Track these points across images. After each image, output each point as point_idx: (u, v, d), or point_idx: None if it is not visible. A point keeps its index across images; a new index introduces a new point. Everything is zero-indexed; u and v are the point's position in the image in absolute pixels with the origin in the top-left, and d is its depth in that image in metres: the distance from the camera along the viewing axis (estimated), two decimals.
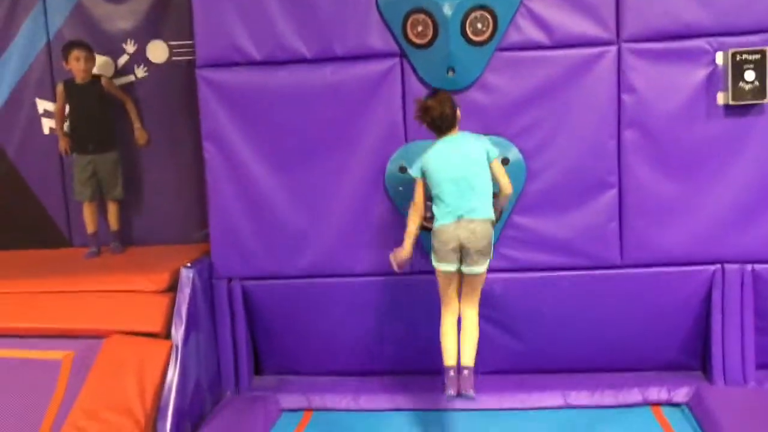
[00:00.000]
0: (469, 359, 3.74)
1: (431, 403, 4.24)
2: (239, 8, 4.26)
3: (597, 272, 4.25)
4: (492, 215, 3.75)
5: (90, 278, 4.36)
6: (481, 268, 3.73)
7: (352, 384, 4.49)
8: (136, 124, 5.04)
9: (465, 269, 3.73)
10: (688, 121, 4.08)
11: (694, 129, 4.08)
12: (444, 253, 3.71)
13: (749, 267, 4.14)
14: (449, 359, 3.77)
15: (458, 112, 3.84)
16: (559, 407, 4.21)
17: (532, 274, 4.30)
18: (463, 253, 3.71)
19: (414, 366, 4.49)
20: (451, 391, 3.71)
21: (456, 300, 3.83)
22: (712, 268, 4.17)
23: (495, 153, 3.78)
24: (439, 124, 3.78)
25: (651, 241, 4.18)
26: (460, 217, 3.68)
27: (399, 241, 4.28)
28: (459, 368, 3.74)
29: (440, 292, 3.84)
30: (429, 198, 3.85)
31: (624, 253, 4.21)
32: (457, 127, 3.83)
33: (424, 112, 3.78)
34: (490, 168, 3.76)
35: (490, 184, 3.75)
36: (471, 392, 3.68)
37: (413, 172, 3.87)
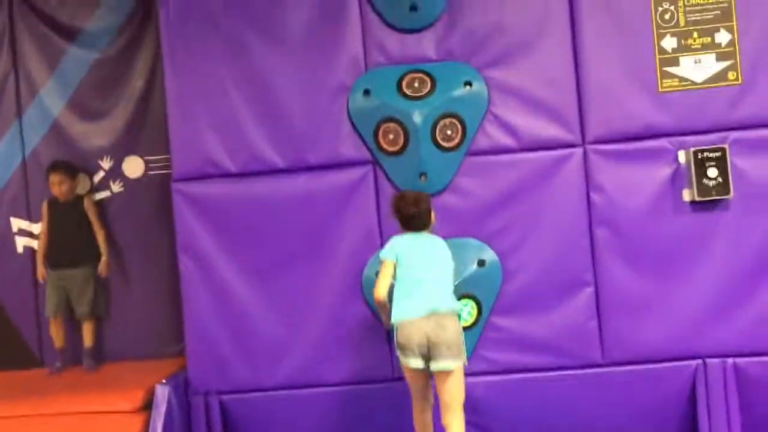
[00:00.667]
0: None
1: None
2: (214, 122, 4.36)
3: (579, 371, 4.20)
4: (457, 308, 3.68)
5: (61, 399, 4.22)
6: (452, 363, 3.57)
7: None
8: (104, 257, 5.00)
9: (434, 366, 3.58)
10: (657, 218, 4.16)
11: (662, 225, 4.16)
12: (410, 350, 3.58)
13: (730, 361, 4.13)
14: None
15: (433, 214, 3.86)
16: None
17: (514, 376, 4.24)
18: (431, 350, 3.57)
19: None
20: None
21: (427, 394, 3.75)
22: (693, 363, 4.15)
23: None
24: (414, 221, 3.75)
25: (631, 337, 4.17)
26: (430, 311, 3.58)
27: (378, 347, 4.24)
28: None
29: (410, 388, 3.77)
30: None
31: (605, 350, 4.19)
32: (429, 230, 3.84)
33: (400, 206, 3.77)
34: None
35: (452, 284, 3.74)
36: None
37: (383, 253, 3.76)
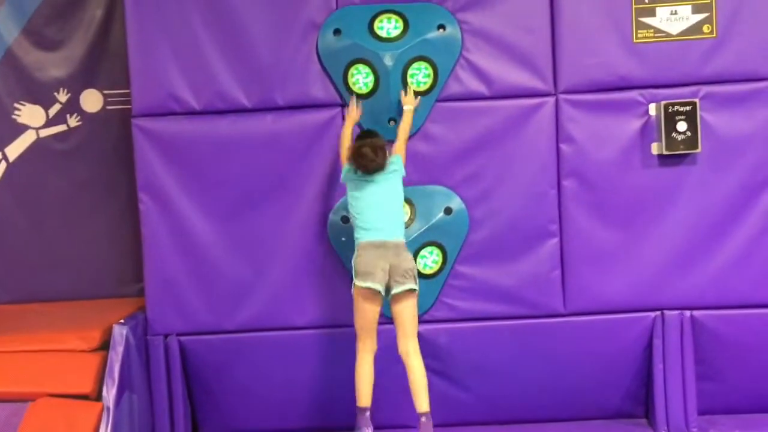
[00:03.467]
0: (424, 403, 3.70)
1: None
2: (177, 57, 4.20)
3: (541, 321, 4.25)
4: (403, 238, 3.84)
5: (15, 337, 4.13)
6: (414, 285, 3.72)
7: None
8: None
9: (399, 288, 3.71)
10: (625, 171, 4.17)
11: (630, 178, 4.17)
12: (367, 272, 3.69)
13: (688, 313, 4.20)
14: (364, 399, 3.75)
15: (388, 157, 3.88)
16: None
17: (477, 324, 4.27)
18: (393, 274, 3.71)
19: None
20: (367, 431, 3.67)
21: (374, 335, 3.81)
22: (652, 315, 4.22)
23: (401, 164, 3.90)
24: (370, 170, 3.82)
25: (593, 288, 4.21)
26: (388, 240, 3.72)
27: (343, 293, 4.21)
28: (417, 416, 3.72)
29: (356, 324, 3.80)
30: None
31: (567, 301, 4.23)
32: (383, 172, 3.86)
33: (358, 157, 3.81)
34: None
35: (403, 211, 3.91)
36: None
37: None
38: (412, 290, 3.75)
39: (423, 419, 3.67)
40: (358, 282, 3.74)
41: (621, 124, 4.15)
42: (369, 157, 3.79)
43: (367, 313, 3.77)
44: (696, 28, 4.09)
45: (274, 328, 4.32)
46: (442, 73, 4.14)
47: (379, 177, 3.82)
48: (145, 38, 4.21)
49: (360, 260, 3.75)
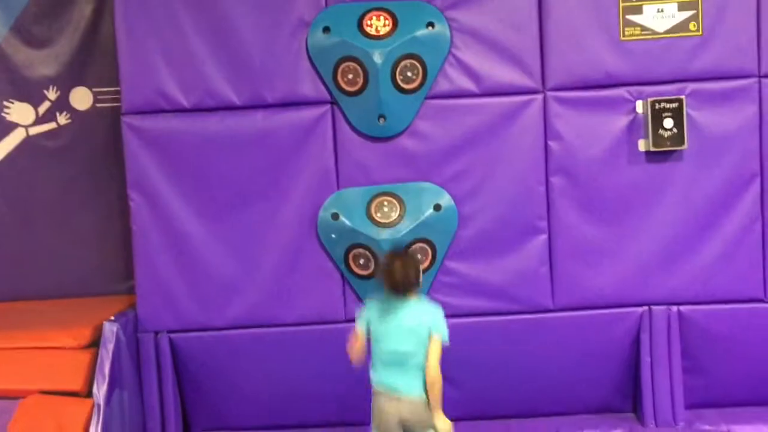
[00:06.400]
0: None
1: None
2: (166, 54, 4.20)
3: (529, 316, 4.27)
4: (422, 394, 3.42)
5: (5, 334, 4.13)
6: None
7: None
8: None
9: None
10: (612, 167, 4.20)
11: (617, 175, 4.20)
12: (384, 425, 3.46)
13: (675, 308, 4.24)
14: None
15: (421, 277, 3.56)
16: None
17: (466, 320, 4.28)
18: (407, 428, 3.45)
19: (348, 417, 4.38)
20: None
21: None
22: (639, 310, 4.26)
23: (439, 330, 3.44)
24: (400, 288, 3.44)
25: (581, 284, 4.24)
26: (399, 396, 3.42)
27: (331, 289, 4.23)
28: None
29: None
30: None
31: (555, 296, 4.26)
32: (415, 293, 3.51)
33: (387, 275, 3.45)
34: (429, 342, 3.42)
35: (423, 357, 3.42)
36: None
37: (357, 322, 3.57)
38: None
39: None
40: None
41: (608, 122, 4.18)
42: (396, 270, 3.42)
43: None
44: (682, 26, 4.13)
45: (264, 324, 4.33)
46: (431, 70, 4.15)
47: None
48: (134, 36, 4.21)
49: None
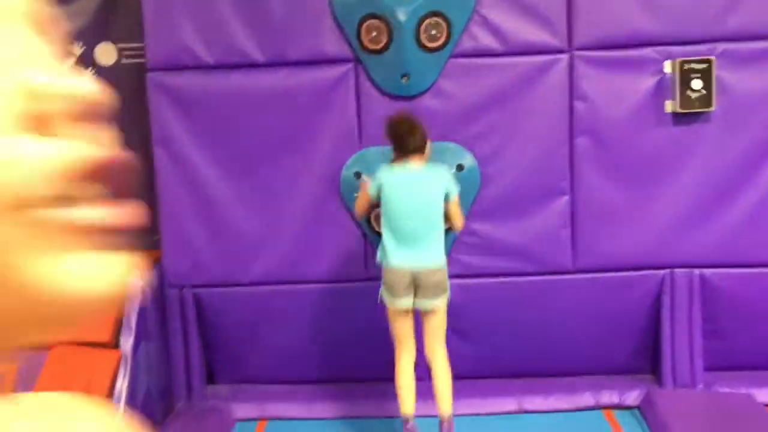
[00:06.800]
0: (447, 407, 3.63)
1: (385, 410, 4.22)
2: (191, 10, 4.20)
3: (550, 277, 4.29)
4: (444, 261, 3.60)
5: None
6: (437, 301, 3.60)
7: (307, 392, 4.44)
8: None
9: (420, 304, 3.60)
10: (638, 129, 4.15)
11: (643, 136, 4.16)
12: (397, 289, 3.56)
13: (697, 272, 4.23)
14: (407, 407, 3.65)
15: (429, 144, 3.65)
16: (514, 412, 4.23)
17: (487, 280, 4.32)
18: (417, 292, 3.58)
19: (369, 373, 4.46)
20: None
21: (412, 340, 3.69)
22: (661, 273, 4.25)
23: (455, 191, 3.61)
24: (406, 142, 3.55)
25: (602, 246, 4.24)
26: (415, 265, 3.54)
27: (353, 247, 4.27)
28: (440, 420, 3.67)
29: (393, 333, 3.70)
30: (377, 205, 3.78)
31: (576, 258, 4.27)
32: (423, 156, 3.63)
33: (396, 136, 3.58)
34: (447, 206, 3.59)
35: (443, 226, 3.59)
36: None
37: (369, 188, 3.66)
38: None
39: (445, 424, 3.63)
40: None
41: (635, 82, 4.12)
42: (403, 121, 3.58)
43: (398, 325, 3.70)
44: None
45: (286, 281, 4.38)
46: (455, 28, 4.11)
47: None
48: None
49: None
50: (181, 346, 4.42)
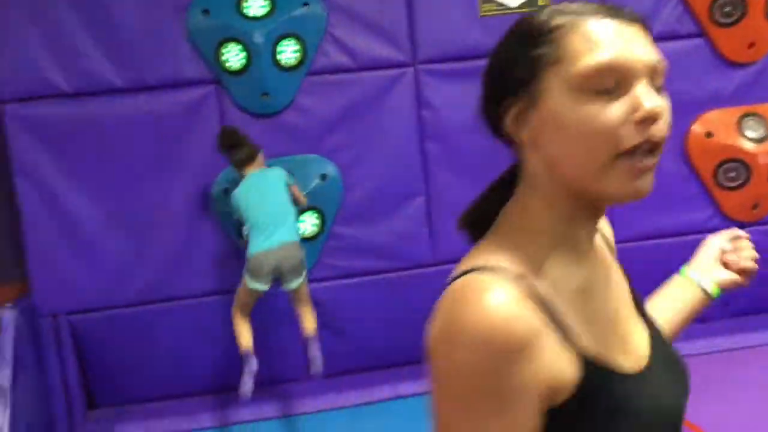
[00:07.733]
0: (312, 327, 4.10)
1: (271, 412, 4.43)
2: (44, 39, 4.20)
3: (413, 271, 4.66)
4: (298, 236, 4.10)
5: None
6: (297, 282, 4.07)
7: (191, 405, 4.54)
8: None
9: (285, 287, 4.08)
10: (479, 132, 4.59)
11: (483, 139, 4.60)
12: (258, 275, 3.98)
13: None
14: (245, 341, 4.06)
15: (260, 154, 4.12)
16: (391, 399, 4.56)
17: (355, 279, 4.63)
18: (282, 276, 4.03)
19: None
20: (247, 387, 3.96)
21: (253, 307, 4.15)
22: None
23: (291, 180, 4.15)
24: (237, 155, 4.04)
25: (457, 239, 4.64)
26: (275, 243, 3.97)
27: (226, 260, 4.43)
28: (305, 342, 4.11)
29: (240, 303, 4.10)
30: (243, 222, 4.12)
31: (435, 252, 4.67)
32: (257, 163, 4.09)
33: (232, 146, 4.09)
34: (290, 191, 4.10)
35: (292, 207, 4.08)
36: (320, 365, 4.06)
37: (231, 207, 4.15)
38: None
39: (314, 346, 4.11)
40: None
41: (474, 90, 4.55)
42: (228, 134, 4.12)
43: (249, 300, 4.15)
44: (531, 2, 4.58)
45: (161, 299, 4.47)
46: (310, 48, 4.40)
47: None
48: (7, 25, 4.17)
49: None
50: (58, 374, 4.39)
